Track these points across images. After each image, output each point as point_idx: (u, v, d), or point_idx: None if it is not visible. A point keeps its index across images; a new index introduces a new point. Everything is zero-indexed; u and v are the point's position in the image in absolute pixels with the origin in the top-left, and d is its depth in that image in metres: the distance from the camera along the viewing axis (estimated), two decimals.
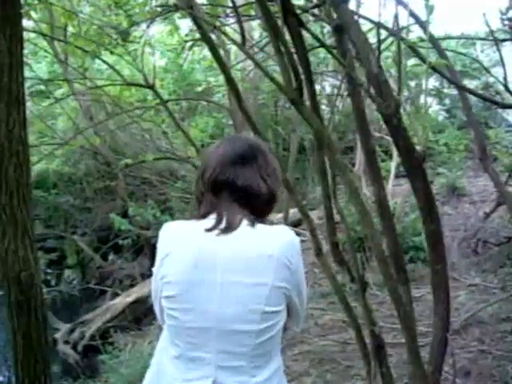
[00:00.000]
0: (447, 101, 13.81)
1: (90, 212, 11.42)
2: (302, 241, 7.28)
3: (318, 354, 4.89)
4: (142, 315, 7.63)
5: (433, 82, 12.80)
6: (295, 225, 8.59)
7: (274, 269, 1.65)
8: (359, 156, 8.79)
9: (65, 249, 11.47)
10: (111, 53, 5.77)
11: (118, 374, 5.31)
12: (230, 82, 2.68)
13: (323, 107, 10.37)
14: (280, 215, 7.69)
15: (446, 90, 13.61)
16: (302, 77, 2.13)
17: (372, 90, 2.04)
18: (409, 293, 2.44)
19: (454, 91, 13.67)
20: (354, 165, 8.90)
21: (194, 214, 1.79)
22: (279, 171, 1.85)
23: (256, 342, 1.65)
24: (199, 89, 11.18)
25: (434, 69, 2.58)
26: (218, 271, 1.65)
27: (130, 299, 7.84)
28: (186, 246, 1.69)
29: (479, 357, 4.31)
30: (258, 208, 1.75)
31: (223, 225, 1.68)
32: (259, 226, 1.70)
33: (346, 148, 11.33)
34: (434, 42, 3.69)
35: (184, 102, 11.93)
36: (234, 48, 12.35)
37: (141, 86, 4.89)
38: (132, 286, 8.96)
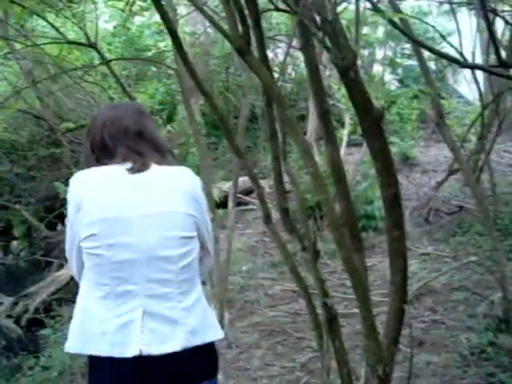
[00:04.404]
0: (400, 71, 13.77)
1: (35, 181, 11.00)
2: (252, 209, 7.10)
3: (269, 325, 4.76)
4: None
5: (386, 52, 12.73)
6: (246, 193, 8.44)
7: (185, 200, 1.83)
8: (311, 124, 8.65)
9: (11, 219, 11.05)
10: (56, 15, 5.46)
11: (60, 348, 5.07)
12: (176, 42, 2.45)
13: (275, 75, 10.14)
14: (229, 183, 7.49)
15: (398, 60, 13.58)
16: (250, 24, 1.92)
17: (327, 41, 1.84)
18: (363, 261, 2.29)
19: (407, 61, 13.74)
20: (305, 134, 8.75)
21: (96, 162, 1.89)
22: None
23: (179, 267, 1.77)
24: (148, 54, 10.79)
25: (393, 23, 2.39)
26: (136, 206, 1.77)
27: None
28: (103, 188, 1.80)
29: (432, 327, 4.25)
30: (162, 152, 1.95)
31: (138, 166, 1.83)
32: (165, 167, 1.89)
33: (297, 118, 11.16)
34: (391, 2, 3.50)
35: (133, 68, 11.55)
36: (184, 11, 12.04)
37: (82, 44, 4.58)
38: None
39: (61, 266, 8.53)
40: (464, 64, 2.64)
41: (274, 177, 2.29)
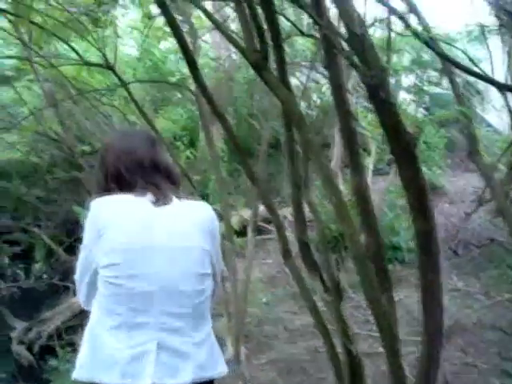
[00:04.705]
0: (426, 99, 13.53)
1: (55, 204, 10.94)
2: (273, 238, 6.80)
3: (287, 362, 4.49)
4: None
5: (412, 80, 12.53)
6: (268, 221, 8.21)
7: (203, 235, 1.84)
8: (336, 151, 8.44)
9: (33, 242, 10.97)
10: (82, 39, 5.39)
11: (69, 381, 4.86)
12: (192, 70, 2.31)
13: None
14: (250, 212, 7.27)
15: (425, 87, 13.34)
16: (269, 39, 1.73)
17: (354, 58, 1.64)
18: (392, 303, 2.05)
19: (434, 89, 13.48)
20: (330, 161, 8.54)
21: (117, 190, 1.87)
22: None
23: (195, 303, 1.79)
24: (172, 79, 10.73)
25: (427, 44, 2.19)
26: (158, 238, 1.77)
27: None
28: (127, 217, 1.79)
29: (463, 370, 3.96)
30: (176, 184, 1.95)
31: (161, 198, 1.83)
32: (184, 201, 1.90)
33: (322, 146, 10.95)
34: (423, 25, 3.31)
35: (158, 93, 11.49)
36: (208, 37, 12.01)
37: (99, 66, 4.50)
38: None
39: None
40: (502, 86, 2.43)
41: (293, 207, 2.08)
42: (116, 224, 1.77)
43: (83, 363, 1.76)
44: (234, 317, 4.33)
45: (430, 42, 2.13)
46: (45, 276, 10.38)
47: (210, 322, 1.88)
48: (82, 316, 7.24)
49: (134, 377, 1.68)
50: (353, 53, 1.65)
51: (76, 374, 1.76)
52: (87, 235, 1.82)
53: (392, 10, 2.04)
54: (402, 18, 2.10)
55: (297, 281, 2.21)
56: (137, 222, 1.78)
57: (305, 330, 5.07)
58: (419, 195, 1.66)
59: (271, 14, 1.88)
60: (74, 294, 8.37)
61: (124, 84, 4.33)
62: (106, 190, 1.88)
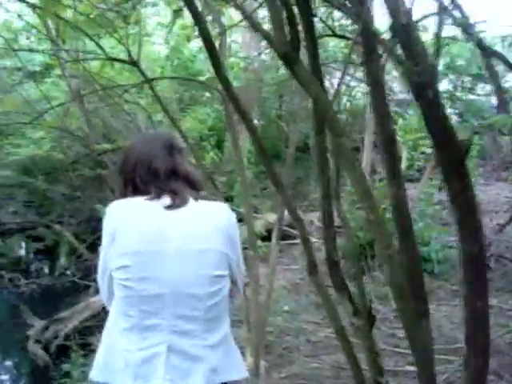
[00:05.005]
0: (459, 104, 13.21)
1: (80, 201, 10.90)
2: (298, 244, 6.52)
3: (309, 378, 4.24)
4: None
5: (446, 85, 12.24)
6: (292, 226, 8.01)
7: (219, 237, 1.81)
8: (366, 156, 8.22)
9: (57, 238, 10.94)
10: (111, 35, 5.28)
11: None
12: (215, 65, 2.13)
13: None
14: (275, 216, 7.07)
15: (458, 94, 13.02)
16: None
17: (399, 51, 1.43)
18: (429, 329, 1.83)
19: (467, 95, 13.15)
20: None
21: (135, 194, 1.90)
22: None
23: (207, 305, 1.76)
24: (201, 78, 10.59)
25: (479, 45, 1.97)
26: (172, 241, 1.76)
27: None
28: (139, 220, 1.80)
29: None
30: (197, 189, 1.93)
31: (176, 202, 1.83)
32: (201, 202, 1.89)
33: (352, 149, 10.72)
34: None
35: (186, 93, 11.37)
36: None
37: (123, 61, 4.34)
38: None
39: (98, 291, 8.21)
40: None
41: (323, 219, 1.87)
42: (128, 227, 1.79)
43: (99, 364, 1.80)
44: (254, 326, 4.12)
45: (482, 42, 1.91)
46: (68, 273, 10.31)
47: (226, 324, 1.86)
48: (99, 316, 7.11)
49: (145, 379, 1.70)
50: (397, 45, 1.43)
51: (92, 375, 1.81)
52: (104, 238, 1.85)
53: (442, 6, 1.82)
54: (451, 15, 1.87)
55: (323, 300, 2.00)
56: (150, 224, 1.79)
57: (328, 342, 4.84)
58: (468, 212, 1.44)
59: (304, 4, 1.68)
60: (95, 292, 8.27)
61: (148, 80, 4.17)
62: (124, 195, 1.93)
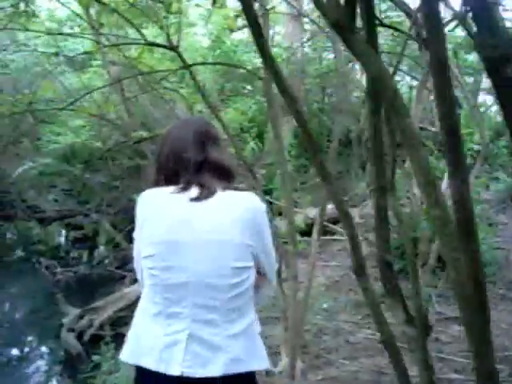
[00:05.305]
0: None
1: (118, 191, 10.90)
2: (339, 240, 6.28)
3: (346, 382, 4.04)
4: None
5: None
6: (334, 222, 7.79)
7: (243, 228, 1.81)
8: None
9: (96, 227, 10.98)
10: (152, 25, 5.18)
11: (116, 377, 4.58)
12: (260, 48, 1.96)
13: None
14: (317, 210, 6.87)
15: None
16: None
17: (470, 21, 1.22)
18: (491, 341, 1.62)
19: None
20: (404, 161, 8.01)
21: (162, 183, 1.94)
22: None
23: (228, 296, 1.78)
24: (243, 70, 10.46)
25: None
26: (194, 232, 1.79)
27: None
28: (165, 211, 1.84)
29: None
30: (229, 179, 1.95)
31: (203, 193, 1.84)
32: (229, 192, 1.88)
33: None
34: None
35: (227, 84, 11.25)
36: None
37: (163, 46, 4.26)
38: None
39: (134, 281, 8.14)
40: None
41: (376, 215, 1.67)
42: (154, 217, 1.83)
43: (129, 346, 1.86)
44: (291, 325, 3.94)
45: None
46: (105, 262, 10.32)
47: (250, 314, 1.86)
48: (134, 307, 7.01)
49: (166, 363, 1.74)
50: (467, 15, 1.23)
51: (122, 356, 1.87)
52: (136, 227, 1.90)
53: None
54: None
55: (370, 306, 1.80)
56: (175, 215, 1.82)
57: (368, 344, 4.62)
58: None
59: None
60: (130, 282, 8.21)
61: (187, 66, 4.02)
62: (156, 183, 1.96)
